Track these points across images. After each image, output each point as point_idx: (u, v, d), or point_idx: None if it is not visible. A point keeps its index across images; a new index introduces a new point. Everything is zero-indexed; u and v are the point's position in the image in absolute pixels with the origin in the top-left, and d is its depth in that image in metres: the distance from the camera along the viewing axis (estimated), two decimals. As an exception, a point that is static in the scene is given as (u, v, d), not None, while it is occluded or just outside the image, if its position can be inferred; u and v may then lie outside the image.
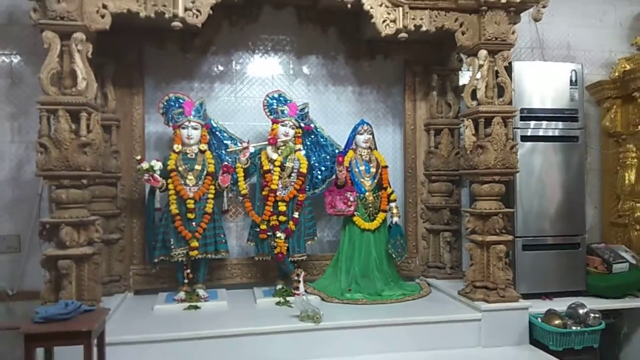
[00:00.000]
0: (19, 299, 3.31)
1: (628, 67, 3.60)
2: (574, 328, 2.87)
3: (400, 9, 2.93)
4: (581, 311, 2.95)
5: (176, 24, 2.73)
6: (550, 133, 3.36)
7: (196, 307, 3.06)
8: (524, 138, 3.31)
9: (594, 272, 3.39)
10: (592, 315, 2.92)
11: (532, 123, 3.34)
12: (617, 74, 3.71)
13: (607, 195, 3.94)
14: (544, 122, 3.36)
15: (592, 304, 3.08)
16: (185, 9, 2.71)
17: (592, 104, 4.04)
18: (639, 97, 3.49)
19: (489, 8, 2.96)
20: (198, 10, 2.74)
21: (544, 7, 3.07)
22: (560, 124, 3.37)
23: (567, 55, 4.01)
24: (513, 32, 3.04)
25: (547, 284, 3.33)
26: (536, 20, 3.11)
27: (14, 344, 3.04)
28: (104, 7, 2.64)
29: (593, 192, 4.05)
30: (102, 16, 2.65)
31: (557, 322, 2.90)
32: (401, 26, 2.94)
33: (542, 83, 3.35)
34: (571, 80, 3.37)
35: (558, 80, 3.37)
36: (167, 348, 2.60)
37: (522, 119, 3.31)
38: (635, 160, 3.68)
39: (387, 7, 2.93)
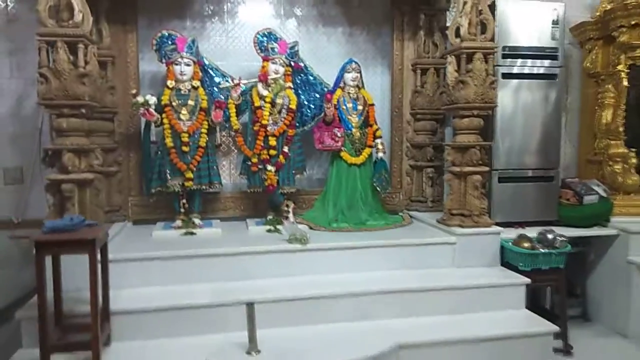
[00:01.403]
0: (23, 227, 3.51)
1: (609, 6, 3.69)
2: (541, 250, 3.10)
3: (386, -56, 3.00)
4: (549, 236, 3.19)
5: (167, -43, 2.81)
6: (530, 71, 3.48)
7: (192, 233, 3.28)
8: (505, 75, 3.45)
9: (566, 203, 3.60)
10: (559, 239, 3.15)
11: (514, 61, 3.46)
12: (598, 14, 3.80)
13: (585, 134, 4.10)
14: (526, 60, 3.48)
15: (563, 232, 3.30)
16: (176, -58, 2.78)
17: (575, 45, 4.14)
18: (618, 36, 3.60)
19: (473, -56, 3.04)
20: (188, -57, 2.81)
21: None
22: (540, 62, 3.50)
23: (552, -4, 4.07)
24: (496, -31, 3.13)
25: (521, 214, 3.55)
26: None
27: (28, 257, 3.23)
28: (97, -62, 2.71)
29: (572, 131, 4.22)
30: (95, -53, 2.72)
31: (526, 244, 3.13)
32: (387, -38, 3.03)
33: (524, 22, 3.45)
34: (553, 20, 3.47)
35: (540, 20, 3.47)
36: (166, 264, 2.84)
37: (504, 56, 3.44)
38: (613, 100, 3.81)
39: (373, -58, 3.00)
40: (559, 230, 3.32)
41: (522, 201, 3.55)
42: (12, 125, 3.56)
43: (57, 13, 2.73)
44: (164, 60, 3.37)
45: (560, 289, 3.24)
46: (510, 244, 3.20)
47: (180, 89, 3.32)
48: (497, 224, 3.35)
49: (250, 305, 2.38)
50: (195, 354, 2.41)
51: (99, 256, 2.29)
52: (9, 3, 3.51)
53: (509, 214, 3.54)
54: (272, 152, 3.40)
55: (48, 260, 2.33)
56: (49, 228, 2.24)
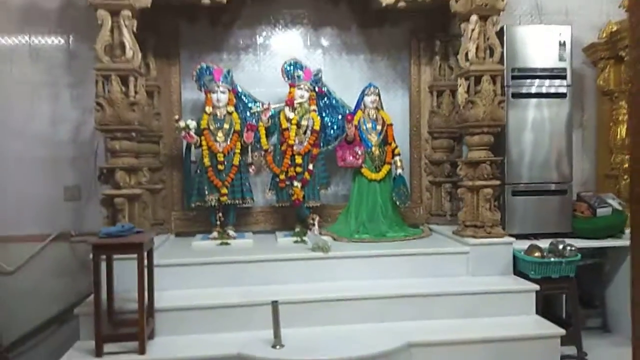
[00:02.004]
0: (77, 241, 3.95)
1: (615, 28, 3.87)
2: (552, 259, 3.27)
3: (399, -19, 3.34)
4: (560, 246, 3.34)
5: (205, 1, 3.23)
6: (539, 90, 3.70)
7: (227, 244, 3.62)
8: (515, 95, 3.67)
9: (580, 216, 3.75)
10: (569, 248, 3.31)
11: (523, 81, 3.68)
12: (604, 35, 3.98)
13: (602, 149, 4.24)
14: (535, 80, 3.70)
15: (576, 244, 3.45)
16: (213, -12, 3.21)
17: (588, 65, 4.32)
18: (626, 56, 3.77)
19: (479, -23, 3.32)
20: (223, -11, 3.23)
21: (530, -26, 3.40)
22: (549, 82, 3.71)
23: (565, 19, 4.27)
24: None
25: (536, 226, 3.72)
26: (523, -13, 3.43)
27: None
28: (146, -12, 3.17)
29: (589, 147, 4.37)
30: (144, -4, 3.18)
31: (537, 254, 3.31)
32: (400, -4, 3.35)
33: (532, 45, 3.68)
34: (560, 42, 3.68)
35: (548, 42, 3.69)
36: (203, 269, 3.18)
37: (514, 77, 3.67)
38: (627, 116, 3.96)
39: (387, -20, 3.34)
40: (572, 241, 3.47)
41: (537, 214, 3.72)
42: (71, 149, 4.02)
43: (111, 50, 3.18)
44: (202, 89, 3.78)
45: (572, 297, 3.38)
46: (522, 253, 3.38)
47: (216, 114, 3.71)
48: (512, 236, 3.52)
49: (274, 303, 2.68)
50: (227, 347, 2.70)
51: (145, 259, 2.66)
52: (70, 42, 4.03)
53: (524, 226, 3.71)
54: (298, 169, 3.73)
55: (103, 266, 2.72)
56: (105, 233, 2.64)
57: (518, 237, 3.58)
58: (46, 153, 3.94)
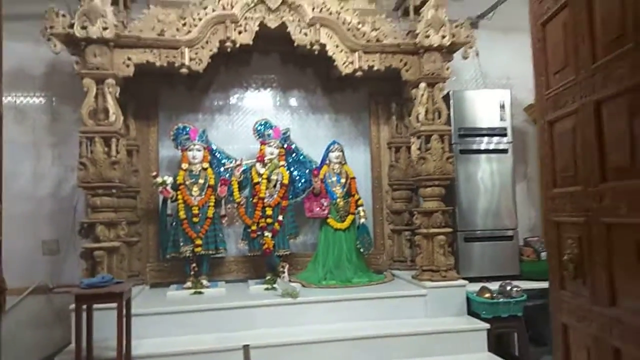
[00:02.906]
0: (57, 292, 4.08)
1: (547, 92, 4.40)
2: (501, 299, 3.59)
3: (356, 53, 3.78)
4: (508, 287, 3.67)
5: (183, 70, 3.60)
6: (485, 147, 4.14)
7: (200, 293, 3.81)
8: (463, 151, 4.10)
9: (527, 259, 4.11)
10: (515, 289, 3.64)
11: (469, 139, 4.12)
12: (539, 98, 4.51)
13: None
14: (481, 138, 4.15)
15: (523, 285, 3.78)
16: (190, 59, 3.58)
17: (529, 122, 4.83)
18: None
19: (426, 50, 3.79)
20: (200, 60, 3.61)
21: (470, 47, 3.91)
22: (493, 139, 4.16)
23: (506, 83, 4.80)
24: (447, 69, 3.88)
25: (487, 270, 4.06)
26: (464, 58, 3.94)
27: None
28: (129, 59, 3.51)
29: (534, 197, 4.81)
30: (127, 66, 3.52)
31: (487, 295, 3.62)
32: (357, 67, 3.79)
33: (476, 107, 4.16)
34: (500, 104, 4.17)
35: (490, 104, 4.18)
36: (178, 317, 3.37)
37: (461, 136, 4.11)
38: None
39: (346, 52, 3.78)
40: (521, 283, 3.81)
41: (487, 258, 4.07)
42: (51, 204, 4.22)
43: (95, 114, 3.48)
44: (179, 148, 4.08)
45: (521, 335, 3.67)
46: (474, 295, 3.69)
47: (192, 170, 3.99)
48: (467, 279, 3.84)
49: (245, 347, 2.89)
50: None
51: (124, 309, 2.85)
52: (53, 105, 4.31)
53: (477, 269, 4.05)
54: (269, 220, 4.01)
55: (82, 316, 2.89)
56: (86, 284, 2.83)
57: (472, 280, 3.90)
58: (26, 209, 4.11)
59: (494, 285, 3.77)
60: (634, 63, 1.44)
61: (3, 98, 4.17)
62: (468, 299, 3.73)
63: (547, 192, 2.05)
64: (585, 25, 1.69)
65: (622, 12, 1.50)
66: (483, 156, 4.14)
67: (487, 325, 3.46)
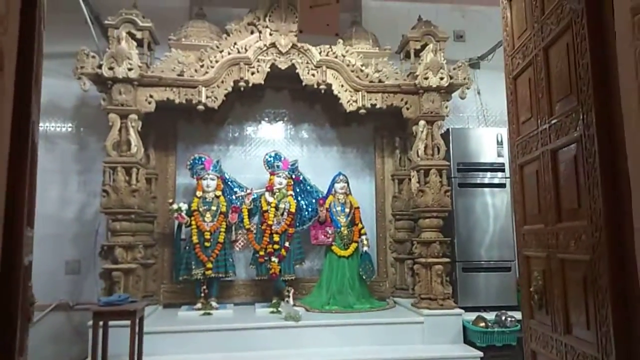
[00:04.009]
0: (77, 309, 4.35)
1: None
2: (496, 328, 3.73)
3: (360, 93, 4.07)
4: (503, 317, 3.82)
5: (200, 107, 3.92)
6: (482, 181, 4.34)
7: (209, 314, 4.05)
8: (462, 185, 4.31)
9: (523, 290, 4.24)
10: (510, 319, 3.78)
11: (467, 173, 4.33)
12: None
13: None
14: (478, 173, 4.35)
15: (519, 316, 3.90)
16: (206, 97, 3.90)
17: (529, 158, 5.01)
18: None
19: (425, 91, 4.06)
20: (215, 97, 3.93)
21: (467, 88, 4.16)
22: (491, 174, 4.37)
23: (507, 121, 5.00)
24: (446, 107, 4.13)
25: (484, 300, 4.21)
26: (462, 98, 4.19)
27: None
28: (151, 96, 3.85)
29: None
30: (149, 102, 3.86)
31: (482, 324, 3.77)
32: (361, 105, 4.07)
33: (474, 143, 4.39)
34: (497, 141, 4.38)
35: (487, 141, 4.40)
36: (187, 337, 3.60)
37: (459, 170, 4.32)
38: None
39: (350, 91, 4.08)
40: (517, 314, 3.93)
41: (485, 288, 4.23)
42: (75, 227, 4.54)
43: (118, 146, 3.80)
44: (195, 177, 4.38)
45: (515, 364, 3.80)
46: (470, 323, 3.84)
47: (206, 198, 4.28)
48: (465, 308, 4.00)
49: (248, 365, 3.09)
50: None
51: (137, 326, 3.10)
52: (81, 135, 4.67)
53: (475, 299, 4.21)
54: (276, 246, 4.25)
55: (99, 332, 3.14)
56: (104, 302, 3.10)
57: (470, 309, 4.05)
58: (53, 231, 4.42)
59: (491, 315, 3.92)
60: (577, 119, 1.67)
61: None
62: (464, 328, 3.87)
63: (519, 229, 2.25)
64: (544, 83, 1.93)
65: (568, 73, 1.73)
66: (481, 190, 4.34)
67: (480, 354, 3.60)
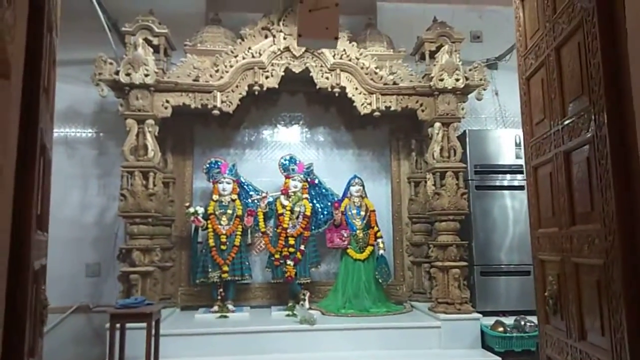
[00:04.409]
0: (96, 311, 4.43)
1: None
2: (514, 334, 3.66)
3: (374, 95, 4.05)
4: (522, 322, 3.74)
5: (215, 112, 3.96)
6: (501, 183, 4.27)
7: (225, 316, 4.06)
8: (479, 187, 4.25)
9: (544, 295, 4.15)
10: (529, 324, 3.70)
11: (486, 176, 4.27)
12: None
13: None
14: (495, 175, 4.28)
15: (539, 320, 3.83)
16: (221, 101, 3.94)
17: (550, 159, 4.91)
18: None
19: (440, 92, 4.01)
20: (230, 102, 3.96)
21: (484, 89, 4.10)
22: (509, 176, 4.29)
23: (526, 121, 4.93)
24: (462, 109, 4.07)
25: (503, 304, 4.13)
26: (478, 99, 4.13)
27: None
28: (167, 102, 3.90)
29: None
30: (166, 108, 3.91)
31: (500, 329, 3.70)
32: (375, 107, 4.05)
33: (492, 145, 4.32)
34: (516, 142, 4.31)
35: (505, 142, 4.33)
36: (203, 339, 3.62)
37: (477, 172, 4.26)
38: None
39: (364, 94, 4.06)
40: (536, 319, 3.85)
41: (504, 292, 4.15)
42: (95, 231, 4.61)
43: (136, 151, 3.86)
44: (211, 180, 4.41)
45: (535, 370, 3.71)
46: (488, 328, 3.77)
47: (222, 201, 4.31)
48: (483, 312, 3.93)
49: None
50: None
51: (153, 329, 3.13)
52: (100, 140, 4.76)
53: (494, 303, 4.13)
54: (291, 249, 4.25)
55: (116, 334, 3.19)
56: (120, 304, 3.14)
57: (488, 314, 3.98)
58: (73, 234, 4.51)
59: (510, 320, 3.85)
60: (589, 119, 1.62)
61: (56, 133, 4.67)
62: (482, 332, 3.81)
63: (534, 232, 2.21)
64: (556, 83, 1.89)
65: (580, 73, 1.69)
66: (500, 192, 4.27)
67: (499, 359, 3.53)
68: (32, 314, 1.60)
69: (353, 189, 4.46)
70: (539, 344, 2.19)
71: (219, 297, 4.24)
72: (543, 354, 2.13)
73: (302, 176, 4.42)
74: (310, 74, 4.03)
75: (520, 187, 4.27)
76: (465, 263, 3.93)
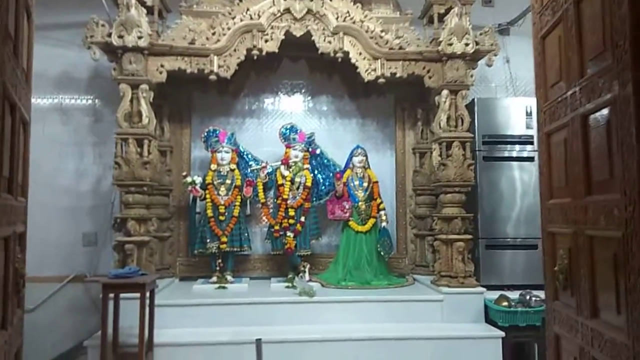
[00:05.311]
0: (89, 281, 4.35)
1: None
2: (519, 308, 3.56)
3: (379, 60, 3.85)
4: (527, 297, 3.64)
5: (212, 77, 3.79)
6: (509, 154, 4.11)
7: (224, 287, 3.99)
8: (487, 158, 4.09)
9: (550, 269, 4.03)
10: (534, 299, 3.60)
11: (494, 146, 4.10)
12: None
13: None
14: (505, 146, 4.12)
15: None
16: (219, 66, 3.76)
17: (561, 130, 4.72)
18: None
19: (449, 58, 3.81)
20: (228, 67, 3.79)
21: (495, 55, 3.89)
22: (519, 147, 4.12)
23: (537, 90, 4.72)
24: (471, 76, 3.88)
25: (508, 278, 4.02)
26: (488, 66, 3.93)
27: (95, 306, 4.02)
28: (162, 66, 3.74)
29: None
30: (160, 72, 3.75)
31: (504, 303, 3.60)
32: (380, 74, 3.86)
33: (502, 114, 4.14)
34: (526, 112, 4.12)
35: (516, 112, 4.14)
36: (200, 310, 3.56)
37: (485, 143, 4.10)
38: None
39: (368, 60, 3.86)
40: (542, 293, 3.75)
41: (509, 266, 4.04)
42: (91, 200, 4.53)
43: (130, 117, 3.72)
44: (209, 149, 4.28)
45: (538, 345, 3.62)
46: (492, 302, 3.67)
47: (220, 171, 4.18)
48: (487, 287, 3.83)
49: (258, 341, 3.02)
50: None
51: (148, 299, 3.06)
52: (96, 107, 4.62)
53: (498, 277, 4.03)
54: (291, 221, 4.14)
55: (110, 304, 3.11)
56: (113, 274, 3.06)
57: (493, 288, 3.88)
58: (70, 203, 4.44)
59: (515, 294, 3.75)
60: (612, 78, 1.46)
61: (50, 100, 4.53)
62: (486, 307, 3.72)
63: (545, 203, 2.07)
64: (575, 41, 1.72)
65: (602, 28, 1.52)
66: (508, 164, 4.11)
67: (502, 333, 3.45)
68: (7, 283, 1.50)
69: (355, 159, 4.32)
70: (547, 320, 2.08)
71: (218, 268, 4.16)
72: (550, 331, 2.01)
73: (303, 146, 4.28)
74: (312, 38, 3.83)
75: (530, 159, 4.12)
76: (470, 236, 3.81)
